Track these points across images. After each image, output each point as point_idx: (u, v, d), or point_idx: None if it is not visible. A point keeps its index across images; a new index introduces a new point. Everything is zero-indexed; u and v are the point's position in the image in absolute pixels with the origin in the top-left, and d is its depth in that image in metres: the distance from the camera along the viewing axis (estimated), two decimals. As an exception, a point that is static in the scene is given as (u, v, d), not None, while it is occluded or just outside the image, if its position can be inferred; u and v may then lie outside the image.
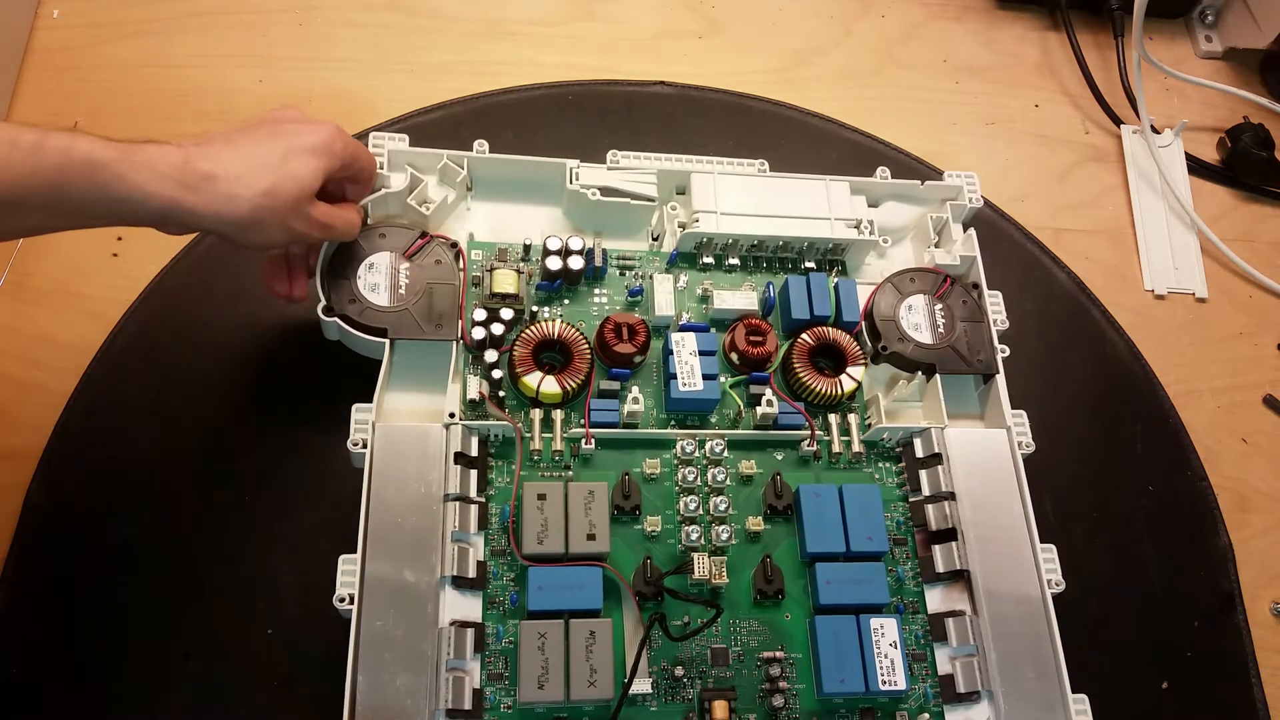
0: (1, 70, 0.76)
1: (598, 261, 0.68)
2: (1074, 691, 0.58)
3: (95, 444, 0.65)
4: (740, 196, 0.71)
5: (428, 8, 0.86)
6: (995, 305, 0.70)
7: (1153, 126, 0.87)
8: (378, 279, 0.64)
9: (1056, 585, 0.61)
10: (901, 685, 0.58)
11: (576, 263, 0.67)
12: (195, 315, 0.70)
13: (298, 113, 0.59)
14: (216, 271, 0.71)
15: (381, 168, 0.67)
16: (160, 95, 0.79)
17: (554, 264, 0.67)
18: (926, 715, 0.60)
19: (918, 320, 0.69)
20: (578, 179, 0.70)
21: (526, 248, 0.69)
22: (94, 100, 0.77)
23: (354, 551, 0.57)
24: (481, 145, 0.70)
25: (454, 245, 0.67)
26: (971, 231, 0.72)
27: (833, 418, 0.67)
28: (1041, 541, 0.62)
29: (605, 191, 0.70)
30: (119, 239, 0.72)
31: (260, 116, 0.58)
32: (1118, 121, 0.88)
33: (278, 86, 0.80)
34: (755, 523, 0.63)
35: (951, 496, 0.63)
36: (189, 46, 0.81)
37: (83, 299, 0.70)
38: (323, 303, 0.63)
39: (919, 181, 0.74)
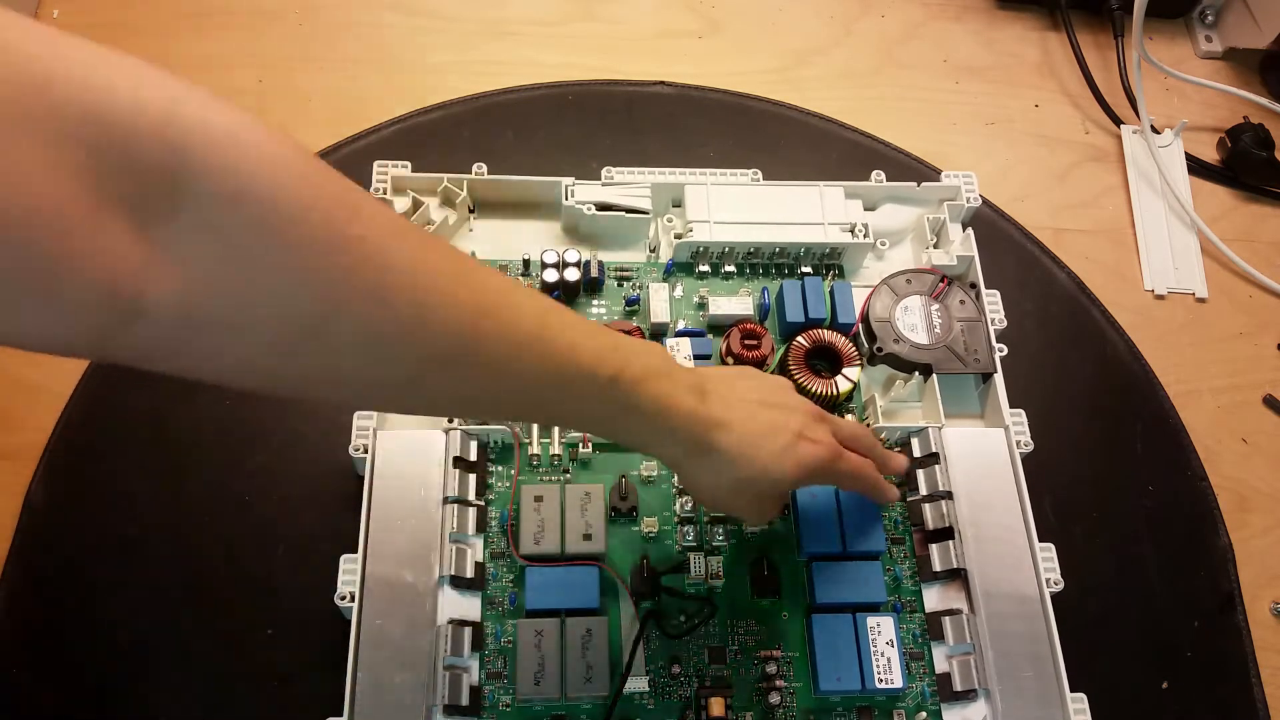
0: (3, 71, 0.76)
1: (595, 273, 0.69)
2: (1073, 691, 0.58)
3: (95, 444, 0.66)
4: (734, 206, 0.71)
5: (428, 8, 0.86)
6: (993, 305, 0.70)
7: (1153, 126, 0.87)
8: None
9: (1055, 584, 0.61)
10: (898, 684, 0.58)
11: (574, 275, 0.68)
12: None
13: (793, 398, 0.55)
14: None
15: (384, 193, 0.68)
16: (161, 96, 0.79)
17: (551, 276, 0.68)
18: (924, 714, 0.60)
19: (914, 321, 0.69)
20: (573, 196, 0.70)
21: (526, 263, 0.70)
22: (95, 101, 0.78)
23: (354, 551, 0.58)
24: (480, 168, 0.71)
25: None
26: (969, 231, 0.72)
27: (830, 417, 0.67)
28: (1040, 541, 0.62)
29: (600, 207, 0.70)
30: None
31: (759, 375, 0.56)
32: (1118, 121, 0.88)
33: (278, 87, 0.80)
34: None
35: (949, 496, 0.63)
36: (189, 47, 0.81)
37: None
38: None
39: (915, 183, 0.74)
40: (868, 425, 0.67)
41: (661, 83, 0.84)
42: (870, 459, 0.57)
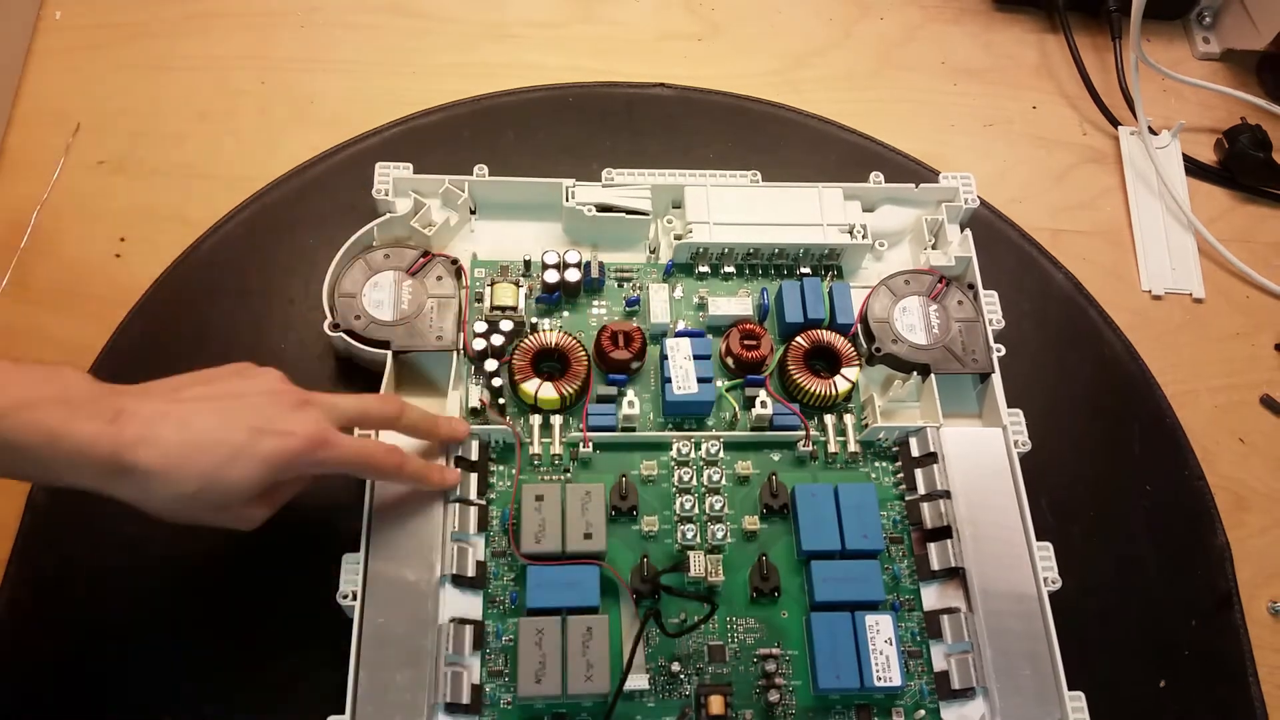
0: (4, 72, 0.76)
1: (595, 274, 0.69)
2: (1071, 689, 0.58)
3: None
4: (733, 207, 0.72)
5: (428, 10, 0.87)
6: (991, 305, 0.70)
7: (1150, 128, 0.87)
8: (382, 296, 0.67)
9: (1053, 583, 0.62)
10: (897, 682, 0.59)
11: (574, 276, 0.68)
12: (197, 316, 0.70)
13: (252, 380, 0.53)
14: (219, 273, 0.72)
15: (386, 194, 0.69)
16: (162, 97, 0.79)
17: (552, 277, 0.68)
18: (922, 712, 0.60)
19: (912, 321, 0.69)
20: (574, 197, 0.70)
21: (527, 263, 0.70)
22: (96, 102, 0.78)
23: (355, 550, 0.58)
24: (481, 169, 0.71)
25: (455, 262, 0.69)
26: (968, 232, 0.72)
27: (829, 418, 0.67)
28: (1038, 540, 0.63)
29: (601, 208, 0.71)
30: (122, 239, 0.73)
31: (219, 373, 0.53)
32: (1115, 123, 0.89)
33: (279, 88, 0.81)
34: (751, 522, 0.63)
35: (947, 495, 0.64)
36: (191, 48, 0.82)
37: (85, 300, 0.70)
38: (329, 319, 0.64)
39: (913, 185, 0.74)
40: (866, 425, 0.67)
41: (661, 84, 0.85)
42: (411, 431, 0.57)
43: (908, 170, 0.83)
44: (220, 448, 0.48)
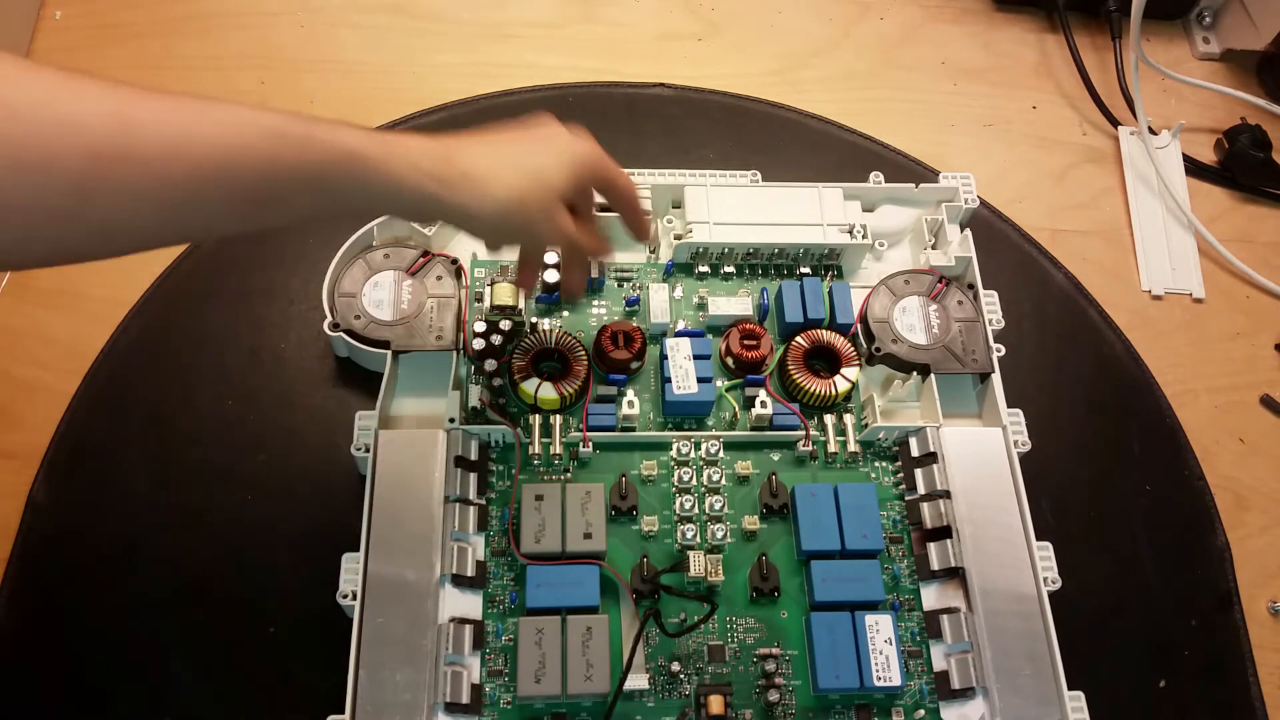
0: (6, 73, 0.76)
1: (595, 274, 0.69)
2: (1070, 689, 0.58)
3: (98, 444, 0.66)
4: (734, 207, 0.72)
5: (429, 10, 0.87)
6: (991, 305, 0.70)
7: (1150, 128, 0.87)
8: (382, 295, 0.67)
9: (1053, 583, 0.62)
10: (897, 682, 0.59)
11: (574, 276, 0.68)
12: (198, 316, 0.70)
13: (554, 122, 0.57)
14: (219, 273, 0.72)
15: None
16: (163, 97, 0.79)
17: (552, 277, 0.68)
18: (922, 712, 0.60)
19: (912, 321, 0.69)
20: None
21: None
22: (97, 102, 0.78)
23: (355, 550, 0.58)
24: None
25: (454, 262, 0.68)
26: (968, 232, 0.72)
27: (829, 418, 0.67)
28: (1038, 540, 0.63)
29: (600, 208, 0.70)
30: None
31: (519, 120, 0.57)
32: (1115, 123, 0.89)
33: (280, 88, 0.81)
34: (751, 522, 0.64)
35: (947, 495, 0.64)
36: (191, 48, 0.82)
37: (86, 300, 0.70)
38: (329, 319, 0.64)
39: (913, 185, 0.74)
40: (866, 425, 0.67)
41: (661, 84, 0.85)
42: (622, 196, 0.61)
43: (908, 170, 0.83)
44: (529, 157, 0.54)
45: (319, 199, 0.47)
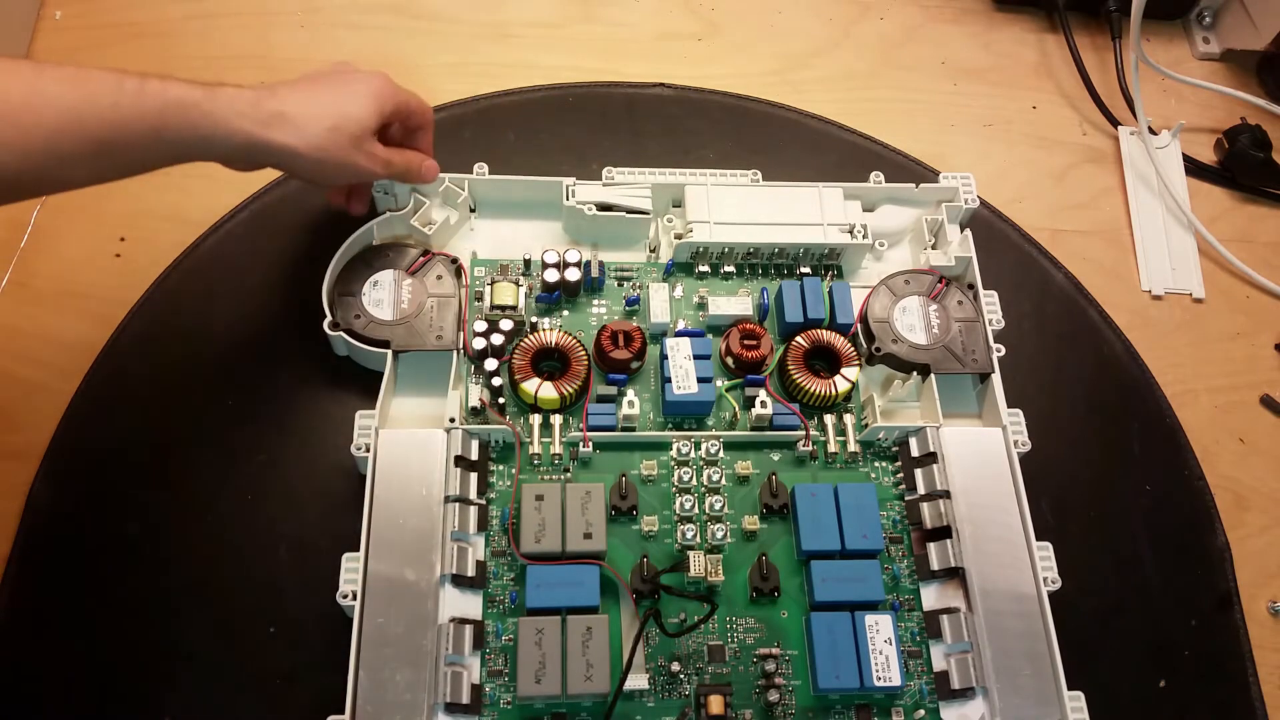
0: (6, 73, 0.76)
1: (595, 274, 0.69)
2: (1070, 689, 0.58)
3: (97, 443, 0.66)
4: (734, 206, 0.72)
5: (429, 10, 0.87)
6: (991, 305, 0.70)
7: (1150, 128, 0.87)
8: (382, 295, 0.67)
9: (1053, 583, 0.62)
10: (897, 682, 0.59)
11: (574, 275, 0.68)
12: (197, 316, 0.70)
13: (351, 65, 0.64)
14: (219, 272, 0.72)
15: (386, 192, 0.69)
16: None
17: (551, 276, 0.68)
18: (922, 712, 0.60)
19: (912, 321, 0.69)
20: (574, 196, 0.70)
21: (527, 263, 0.70)
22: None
23: (355, 550, 0.58)
24: (481, 168, 0.71)
25: (455, 261, 0.69)
26: (968, 232, 0.72)
27: (829, 418, 0.67)
28: (1038, 540, 0.63)
29: (601, 207, 0.71)
30: (122, 239, 0.73)
31: (318, 68, 0.63)
32: (1115, 123, 0.89)
33: (280, 89, 0.81)
34: (751, 522, 0.64)
35: (946, 495, 0.64)
36: (191, 48, 0.82)
37: (85, 299, 0.70)
38: (329, 319, 0.64)
39: (913, 185, 0.74)
40: (866, 425, 0.67)
41: (661, 84, 0.85)
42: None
43: (908, 170, 0.83)
44: (334, 94, 0.60)
45: (159, 147, 0.54)
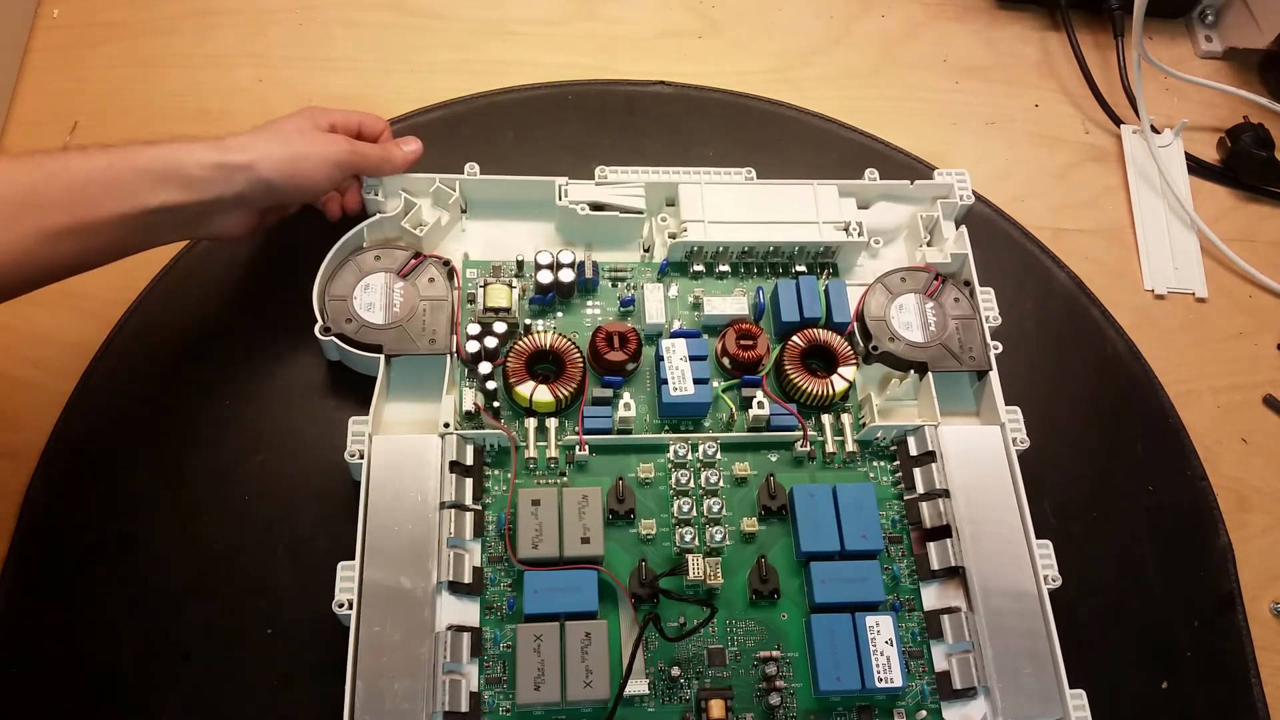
0: (2, 70, 0.76)
1: (589, 274, 0.69)
2: (1072, 689, 0.58)
3: (95, 444, 0.66)
4: (728, 205, 0.71)
5: (427, 7, 0.86)
6: (987, 302, 0.70)
7: (1152, 126, 0.87)
8: (373, 298, 0.66)
9: (1053, 581, 0.61)
10: (898, 682, 0.58)
11: (568, 276, 0.68)
12: (195, 316, 0.70)
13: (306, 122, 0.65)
14: (216, 272, 0.72)
15: (376, 194, 0.69)
16: (160, 95, 0.79)
17: (545, 278, 0.68)
18: (924, 712, 0.60)
19: (909, 319, 0.69)
20: (566, 195, 0.70)
21: (520, 264, 0.70)
22: (94, 100, 0.78)
23: (350, 558, 0.58)
24: (472, 168, 0.71)
25: (447, 263, 0.68)
26: (963, 229, 0.72)
27: (826, 418, 0.67)
28: (1039, 539, 0.62)
29: (594, 206, 0.70)
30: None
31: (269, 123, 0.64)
32: (1117, 121, 0.88)
33: (277, 86, 0.80)
34: (750, 524, 0.63)
35: (946, 494, 0.63)
36: (189, 46, 0.81)
37: (83, 299, 0.70)
38: (320, 323, 0.64)
39: (908, 181, 0.74)
40: (864, 425, 0.67)
41: (661, 82, 0.84)
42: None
43: (909, 169, 0.82)
44: (287, 125, 0.63)
45: (131, 181, 0.57)
